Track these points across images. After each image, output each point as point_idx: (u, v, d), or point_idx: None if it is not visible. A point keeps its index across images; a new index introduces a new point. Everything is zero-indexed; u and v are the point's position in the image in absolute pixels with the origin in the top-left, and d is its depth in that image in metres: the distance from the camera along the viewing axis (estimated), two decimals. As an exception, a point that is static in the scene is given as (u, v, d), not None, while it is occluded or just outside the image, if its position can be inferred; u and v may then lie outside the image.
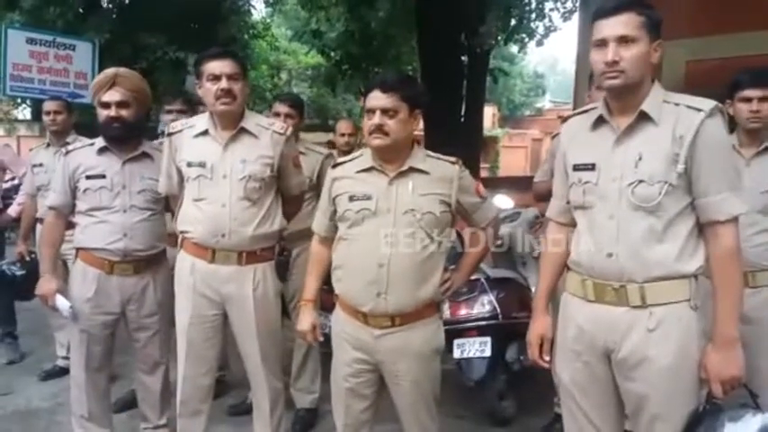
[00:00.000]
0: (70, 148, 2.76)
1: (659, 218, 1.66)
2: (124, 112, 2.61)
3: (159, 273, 2.78)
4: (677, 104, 1.67)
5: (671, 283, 1.67)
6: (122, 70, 2.69)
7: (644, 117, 1.69)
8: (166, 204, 2.76)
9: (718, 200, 1.64)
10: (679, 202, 1.66)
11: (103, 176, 2.63)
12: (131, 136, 2.67)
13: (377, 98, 2.01)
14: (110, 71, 2.69)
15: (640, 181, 1.66)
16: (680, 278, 1.67)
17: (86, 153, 2.69)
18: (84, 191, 2.65)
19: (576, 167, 1.81)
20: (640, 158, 1.67)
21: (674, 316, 1.68)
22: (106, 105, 2.61)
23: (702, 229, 1.69)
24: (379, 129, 1.99)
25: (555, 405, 3.13)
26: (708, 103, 1.64)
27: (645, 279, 1.68)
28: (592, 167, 1.76)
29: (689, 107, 1.65)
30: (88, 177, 2.64)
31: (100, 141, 2.68)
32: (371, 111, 2.01)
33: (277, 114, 3.11)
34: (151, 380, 2.87)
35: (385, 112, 1.99)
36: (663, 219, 1.66)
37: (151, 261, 2.73)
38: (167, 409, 2.89)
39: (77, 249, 2.72)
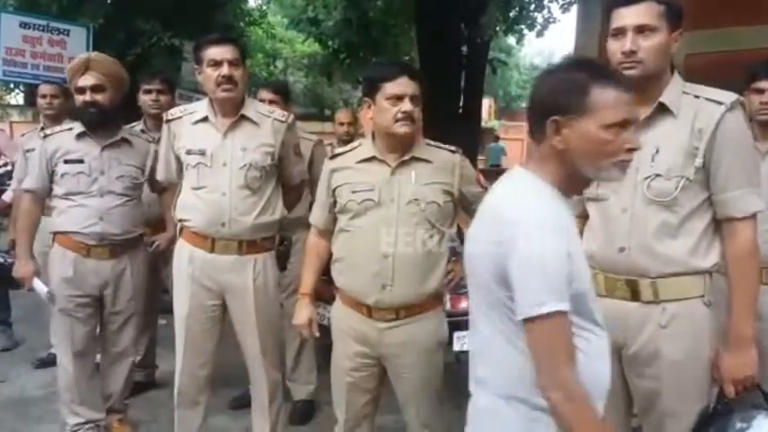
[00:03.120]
0: (48, 132, 2.76)
1: (675, 213, 1.63)
2: (99, 97, 2.61)
3: (136, 257, 2.82)
4: (697, 96, 1.63)
5: (685, 279, 1.64)
6: (96, 54, 2.72)
7: (663, 109, 1.65)
8: (153, 185, 2.82)
9: (736, 196, 1.60)
10: (696, 197, 1.62)
11: (82, 161, 2.64)
12: (108, 120, 2.67)
13: (406, 84, 1.95)
14: (83, 56, 2.71)
15: (657, 175, 1.62)
16: (694, 274, 1.64)
17: (64, 137, 2.68)
18: (62, 175, 2.65)
19: None
20: (657, 152, 1.63)
21: (688, 312, 1.65)
22: (81, 90, 2.61)
23: (719, 225, 1.65)
24: (410, 116, 1.95)
25: None
26: (729, 96, 1.60)
27: (658, 274, 1.64)
28: None
29: (709, 100, 1.61)
30: (66, 162, 2.65)
31: (78, 126, 2.68)
32: (399, 97, 1.94)
33: (262, 101, 3.05)
34: (115, 369, 2.88)
35: (413, 99, 1.95)
36: (678, 214, 1.62)
37: (127, 245, 2.76)
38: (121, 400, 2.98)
39: (55, 233, 2.73)
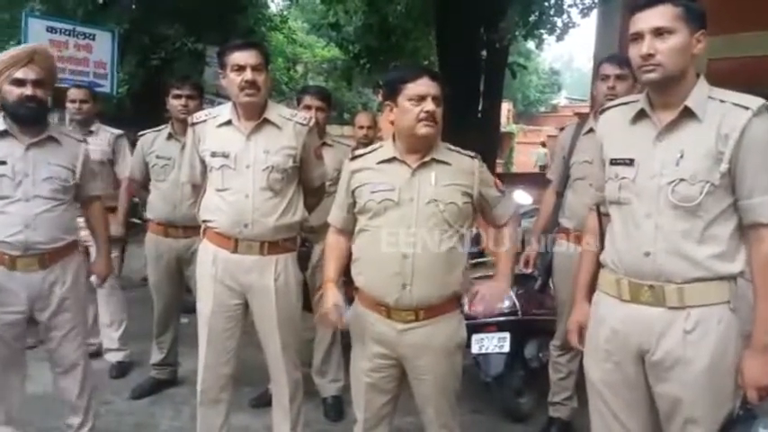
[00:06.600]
0: None
1: (700, 218, 1.62)
2: (39, 92, 2.39)
3: (69, 267, 2.54)
4: (723, 101, 1.62)
5: (710, 284, 1.63)
6: (40, 48, 2.54)
7: (687, 113, 1.64)
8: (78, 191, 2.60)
9: (763, 201, 1.59)
10: (721, 202, 1.62)
11: (4, 163, 2.38)
12: (43, 118, 2.47)
13: (428, 85, 1.97)
14: (28, 47, 2.53)
15: (681, 179, 1.62)
16: (719, 279, 1.63)
17: None
18: None
19: (614, 162, 1.77)
20: (682, 156, 1.62)
21: (714, 318, 1.63)
22: (21, 83, 2.36)
23: (744, 230, 1.64)
24: (433, 116, 1.97)
25: (550, 406, 3.08)
26: (756, 101, 1.58)
27: (684, 280, 1.63)
28: (630, 163, 1.71)
29: (735, 104, 1.60)
30: None
31: (1, 124, 2.43)
32: (422, 97, 1.96)
33: (308, 107, 3.08)
34: (67, 382, 2.66)
35: (434, 99, 1.97)
36: (703, 219, 1.62)
37: (57, 255, 2.49)
38: (90, 409, 2.72)
39: None
